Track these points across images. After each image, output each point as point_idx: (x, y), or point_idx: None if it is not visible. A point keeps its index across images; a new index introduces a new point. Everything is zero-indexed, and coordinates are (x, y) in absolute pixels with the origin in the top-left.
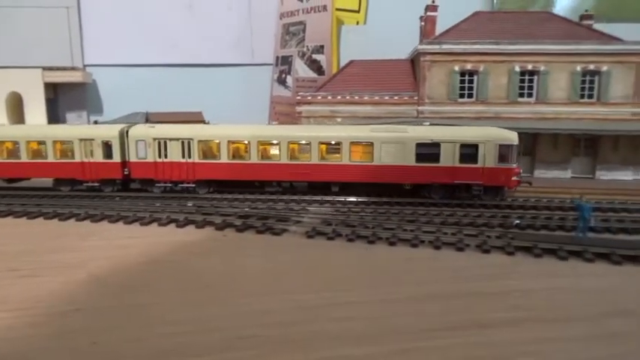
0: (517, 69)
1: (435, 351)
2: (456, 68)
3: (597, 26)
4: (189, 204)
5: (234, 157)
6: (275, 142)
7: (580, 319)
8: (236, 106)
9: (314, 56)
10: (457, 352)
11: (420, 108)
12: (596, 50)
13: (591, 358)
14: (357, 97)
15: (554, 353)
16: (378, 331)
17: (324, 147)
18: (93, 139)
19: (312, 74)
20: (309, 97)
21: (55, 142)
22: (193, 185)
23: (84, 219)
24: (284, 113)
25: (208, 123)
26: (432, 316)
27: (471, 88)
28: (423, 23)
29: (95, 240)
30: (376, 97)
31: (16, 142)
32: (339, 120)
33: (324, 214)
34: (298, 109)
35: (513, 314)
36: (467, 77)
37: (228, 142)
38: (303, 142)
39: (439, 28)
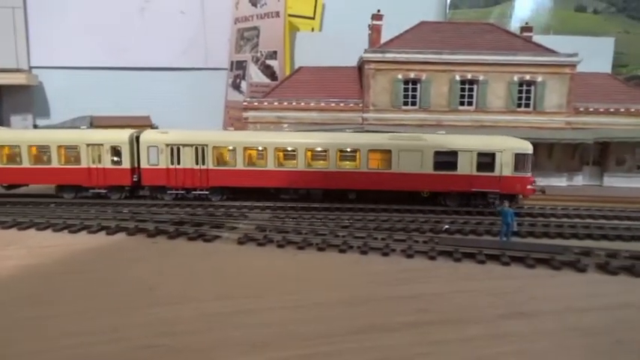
0: (458, 78)
1: (332, 356)
2: (400, 76)
3: (544, 38)
4: (125, 210)
5: (250, 163)
6: (292, 149)
7: (479, 321)
8: (189, 110)
9: (267, 62)
10: (353, 357)
11: (364, 115)
12: (531, 61)
13: (478, 357)
14: (303, 104)
15: (445, 355)
16: (282, 338)
17: (340, 154)
18: (101, 144)
19: (265, 80)
20: (256, 103)
21: (59, 146)
22: (207, 192)
23: (11, 227)
24: (238, 118)
25: (157, 127)
26: (338, 320)
27: (414, 96)
28: (370, 32)
29: (15, 248)
30: (322, 104)
31: (17, 147)
32: (285, 126)
33: (262, 220)
34: (245, 114)
35: (418, 317)
36: (410, 85)
37: (244, 148)
38: (321, 149)
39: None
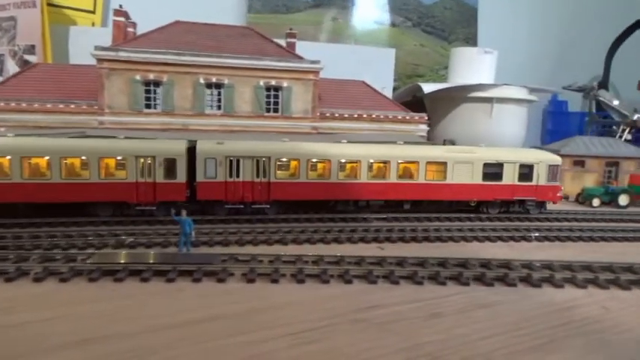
0: (202, 81)
1: None
2: (138, 77)
3: (336, 47)
4: None
5: (315, 176)
6: (356, 160)
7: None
8: None
9: (25, 57)
10: None
11: (100, 118)
12: (275, 66)
13: None
14: (25, 105)
15: None
16: None
17: (402, 166)
18: (154, 156)
19: None
20: None
21: (101, 158)
22: (268, 206)
23: None
24: None
25: None
26: None
27: (156, 99)
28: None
29: None
30: (49, 105)
31: (45, 158)
32: (1, 129)
33: None
34: None
35: None
36: (151, 87)
37: (308, 161)
38: (383, 160)
39: None
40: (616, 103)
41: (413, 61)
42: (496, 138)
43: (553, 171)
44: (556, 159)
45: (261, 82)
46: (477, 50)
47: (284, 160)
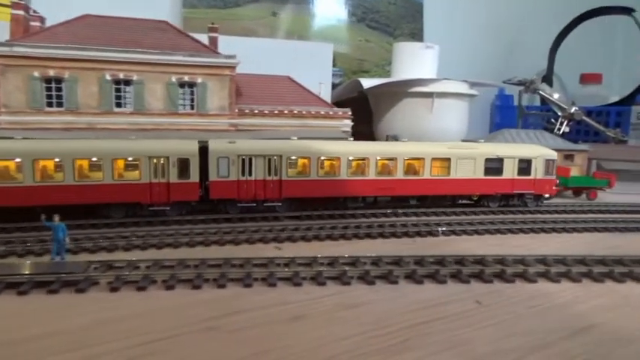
0: (108, 77)
1: None
2: (36, 74)
3: (273, 42)
4: None
5: (324, 173)
6: (364, 158)
7: None
8: None
9: None
10: None
11: None
12: (188, 62)
13: None
14: None
15: None
16: None
17: (408, 162)
18: (167, 157)
19: None
20: None
21: (114, 160)
22: (280, 204)
23: None
24: None
25: None
26: None
27: (58, 97)
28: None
29: None
30: None
31: (56, 160)
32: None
33: None
34: None
35: None
36: (53, 84)
37: (318, 158)
38: (390, 157)
39: None
40: (556, 96)
41: (358, 57)
42: (437, 133)
43: (549, 165)
44: (552, 154)
45: (174, 79)
46: (418, 45)
47: (294, 158)
